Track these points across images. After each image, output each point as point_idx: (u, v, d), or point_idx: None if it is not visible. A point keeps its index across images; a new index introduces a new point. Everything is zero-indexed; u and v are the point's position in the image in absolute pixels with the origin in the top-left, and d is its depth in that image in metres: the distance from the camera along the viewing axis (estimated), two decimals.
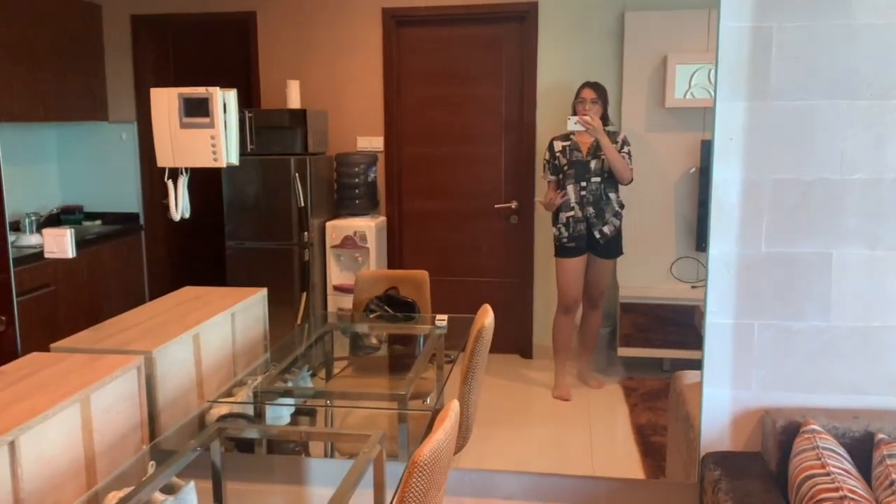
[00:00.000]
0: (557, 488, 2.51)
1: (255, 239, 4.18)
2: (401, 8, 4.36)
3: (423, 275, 3.24)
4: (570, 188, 3.80)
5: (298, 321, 4.11)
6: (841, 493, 1.62)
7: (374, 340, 3.13)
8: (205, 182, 3.49)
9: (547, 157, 3.89)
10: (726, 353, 2.17)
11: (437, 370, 2.64)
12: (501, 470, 2.60)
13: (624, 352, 4.18)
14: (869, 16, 1.98)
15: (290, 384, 2.41)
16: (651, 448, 3.31)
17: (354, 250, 4.23)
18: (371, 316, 3.10)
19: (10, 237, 2.71)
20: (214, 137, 2.39)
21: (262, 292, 2.96)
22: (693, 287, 4.21)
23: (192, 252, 4.82)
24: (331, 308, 4.27)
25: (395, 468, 1.74)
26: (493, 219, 4.52)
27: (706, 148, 4.07)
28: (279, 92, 4.35)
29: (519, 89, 4.38)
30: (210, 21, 4.55)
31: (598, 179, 3.77)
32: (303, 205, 4.10)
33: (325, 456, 2.36)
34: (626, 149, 3.76)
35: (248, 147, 4.09)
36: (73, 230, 2.47)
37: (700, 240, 4.18)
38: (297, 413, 2.33)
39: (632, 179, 3.77)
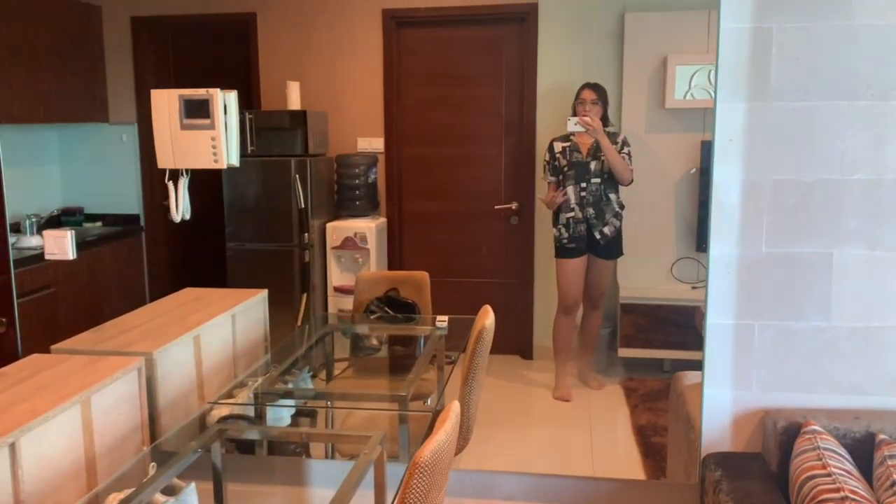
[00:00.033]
0: (558, 489, 2.51)
1: (255, 240, 4.18)
2: (401, 9, 4.37)
3: (424, 276, 3.24)
4: (571, 189, 3.80)
5: (299, 322, 4.11)
6: (842, 493, 1.62)
7: (374, 341, 3.13)
8: (205, 183, 3.49)
9: (547, 159, 3.89)
10: (727, 354, 2.17)
11: (438, 371, 2.64)
12: (502, 471, 2.60)
13: (624, 352, 4.18)
14: (869, 17, 1.98)
15: (290, 385, 2.41)
16: (652, 449, 3.31)
17: (355, 251, 4.23)
18: (371, 317, 3.10)
19: (11, 239, 2.72)
20: (215, 139, 2.40)
21: (263, 294, 2.96)
22: (693, 288, 4.21)
23: (192, 253, 4.83)
24: (331, 309, 4.27)
25: (395, 469, 1.74)
26: (494, 220, 4.52)
27: (706, 149, 4.07)
28: (279, 93, 4.35)
29: (519, 90, 4.38)
30: (210, 22, 4.55)
31: (598, 180, 3.77)
32: (303, 206, 4.11)
33: (326, 457, 2.36)
34: (626, 149, 3.76)
35: (249, 148, 4.09)
36: (73, 232, 2.47)
37: (700, 240, 4.18)
38: (298, 414, 2.33)
39: (632, 180, 3.77)
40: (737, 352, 2.16)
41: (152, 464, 1.79)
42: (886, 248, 2.06)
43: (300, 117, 4.13)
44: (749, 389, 2.17)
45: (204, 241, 4.53)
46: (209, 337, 2.53)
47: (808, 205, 2.07)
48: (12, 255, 2.71)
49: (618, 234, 3.87)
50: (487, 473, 2.55)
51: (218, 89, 2.42)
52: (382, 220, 4.45)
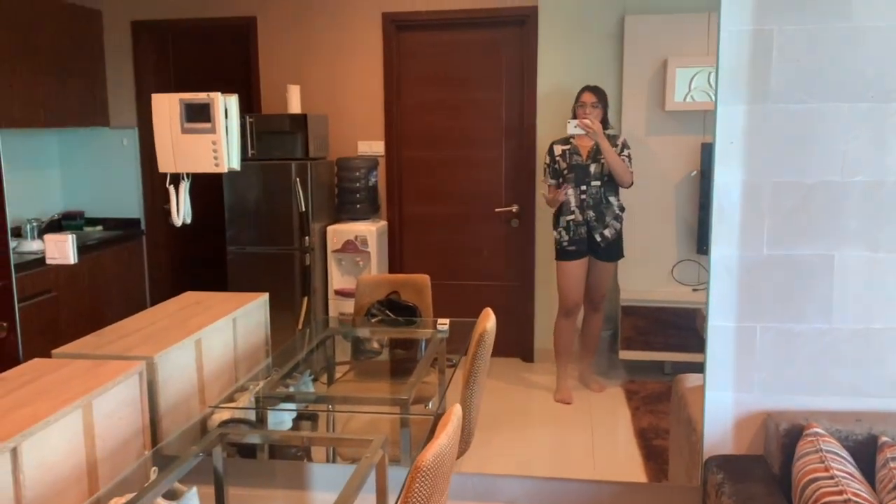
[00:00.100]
0: (559, 492, 2.50)
1: (256, 244, 4.18)
2: (401, 12, 4.37)
3: (425, 279, 3.24)
4: (571, 192, 3.80)
5: (300, 326, 4.10)
6: (845, 496, 1.62)
7: (375, 345, 3.13)
8: (206, 187, 3.48)
9: (547, 161, 3.89)
10: (728, 357, 2.17)
11: (439, 374, 2.64)
12: (503, 474, 2.59)
13: (625, 355, 4.17)
14: (869, 18, 1.98)
15: (291, 389, 2.41)
16: (653, 451, 3.31)
17: (355, 254, 4.23)
18: (372, 320, 3.10)
19: (12, 243, 2.72)
20: (216, 143, 2.40)
21: (264, 297, 2.96)
22: (694, 290, 4.21)
23: (193, 257, 4.82)
24: (332, 312, 4.27)
25: (397, 473, 1.74)
26: (494, 222, 4.52)
27: (706, 151, 4.07)
28: (280, 97, 4.36)
29: (519, 93, 4.38)
30: (210, 26, 4.55)
31: (599, 183, 3.77)
32: (304, 209, 4.11)
33: (328, 461, 2.36)
34: (626, 152, 3.76)
35: (249, 152, 4.09)
36: (74, 236, 2.47)
37: (701, 242, 4.18)
38: (299, 418, 2.33)
39: (632, 182, 3.77)
40: (738, 354, 2.16)
41: (154, 468, 1.78)
42: (887, 249, 2.06)
43: (300, 121, 4.13)
44: (751, 392, 2.16)
45: (205, 245, 4.52)
46: (210, 341, 2.53)
47: (809, 207, 2.07)
48: (13, 259, 2.71)
49: (618, 236, 3.87)
50: (489, 477, 2.54)
51: (219, 93, 2.42)
52: (383, 223, 4.45)
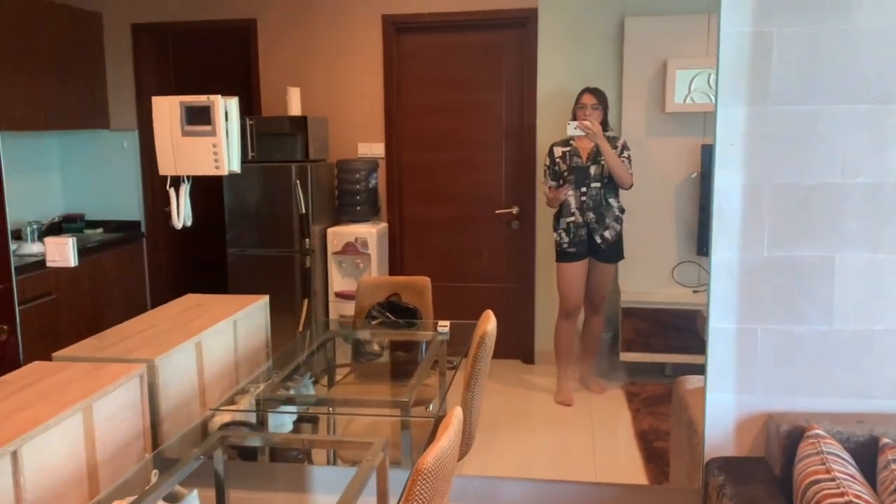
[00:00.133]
0: (560, 495, 2.50)
1: (256, 246, 4.18)
2: (401, 15, 4.37)
3: (425, 281, 3.24)
4: (571, 194, 3.80)
5: (300, 328, 4.10)
6: (846, 498, 1.62)
7: (376, 347, 3.13)
8: (206, 189, 3.49)
9: (547, 163, 3.89)
10: (729, 358, 2.16)
11: (440, 376, 2.64)
12: (504, 477, 2.59)
13: (626, 356, 4.17)
14: (869, 20, 1.99)
15: (292, 392, 2.41)
16: (654, 453, 3.30)
17: (356, 257, 4.23)
18: (373, 322, 3.10)
19: (12, 246, 2.72)
20: (216, 145, 2.40)
21: (264, 300, 2.96)
22: (695, 291, 4.21)
23: (193, 259, 4.82)
24: (332, 315, 4.27)
25: (398, 475, 1.74)
26: (494, 224, 4.52)
27: (706, 152, 4.07)
28: (280, 99, 4.36)
29: (519, 95, 4.38)
30: (210, 28, 4.56)
31: (599, 185, 3.77)
32: (304, 211, 4.11)
33: (328, 463, 2.36)
34: (625, 153, 3.76)
35: (250, 154, 4.09)
36: (74, 238, 2.47)
37: (701, 244, 4.18)
38: (300, 420, 2.33)
39: (632, 184, 3.78)
40: (739, 356, 2.16)
41: (154, 471, 1.78)
42: (888, 251, 2.05)
43: (301, 123, 4.13)
44: (752, 393, 2.16)
45: (205, 247, 4.52)
46: (211, 343, 2.53)
47: (809, 208, 2.07)
48: (13, 262, 2.71)
49: (618, 238, 3.87)
50: (490, 479, 2.54)
51: (219, 96, 2.42)
52: (383, 225, 4.45)
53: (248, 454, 2.16)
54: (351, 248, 4.20)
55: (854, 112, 2.02)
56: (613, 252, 3.87)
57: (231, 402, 2.26)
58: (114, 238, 4.52)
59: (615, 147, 3.74)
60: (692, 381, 2.63)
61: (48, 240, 2.45)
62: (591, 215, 3.79)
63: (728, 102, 2.07)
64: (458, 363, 2.62)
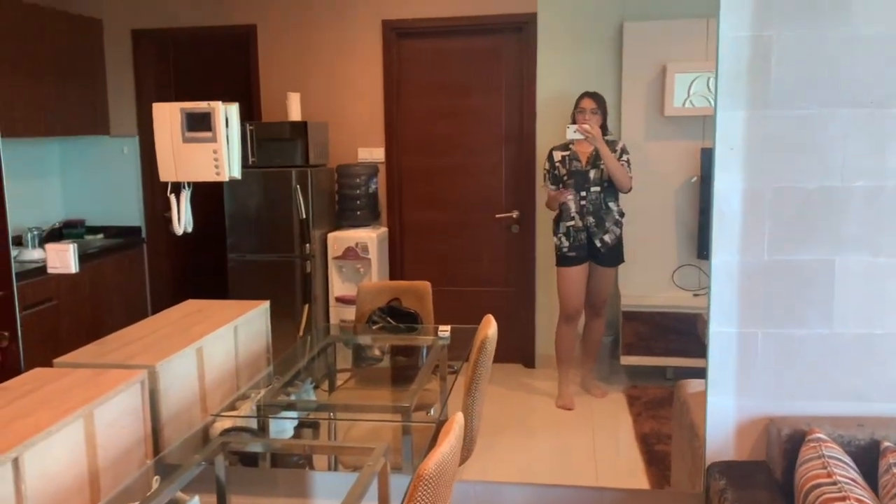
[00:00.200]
0: (561, 499, 2.50)
1: (256, 251, 4.18)
2: (401, 20, 4.38)
3: (426, 285, 3.24)
4: (571, 198, 3.80)
5: (301, 333, 4.10)
6: (848, 502, 1.61)
7: (376, 352, 3.13)
8: (207, 195, 3.49)
9: (547, 167, 3.90)
10: (730, 362, 2.16)
11: (441, 381, 2.64)
12: (505, 482, 2.59)
13: (627, 360, 4.17)
14: (868, 24, 1.99)
15: (293, 397, 2.41)
16: (655, 457, 3.30)
17: (356, 261, 4.23)
18: (373, 327, 3.10)
19: (13, 252, 2.72)
20: (217, 151, 2.40)
21: (265, 305, 2.96)
22: (695, 295, 4.21)
23: (194, 265, 4.83)
24: (333, 320, 4.27)
25: (399, 481, 1.74)
26: (494, 228, 4.53)
27: (706, 156, 4.08)
28: (280, 104, 4.37)
29: (518, 100, 4.39)
30: (210, 34, 4.57)
31: (598, 189, 3.78)
32: (304, 216, 4.11)
33: (329, 469, 2.36)
34: (625, 157, 3.76)
35: (250, 160, 4.10)
36: (75, 245, 2.47)
37: (701, 248, 4.18)
38: (301, 426, 2.33)
39: (631, 188, 3.78)
40: (740, 360, 2.16)
41: (156, 477, 1.78)
42: (888, 254, 2.06)
43: (301, 128, 4.14)
44: (753, 397, 2.16)
45: (205, 253, 4.53)
46: (212, 349, 2.53)
47: (809, 212, 2.07)
48: (14, 268, 2.71)
49: (618, 241, 3.87)
50: (491, 484, 2.54)
51: (220, 102, 2.42)
52: (383, 229, 4.46)
53: (250, 460, 2.16)
54: (351, 253, 4.21)
55: (853, 116, 2.02)
56: (613, 256, 3.88)
57: (232, 407, 2.26)
58: (114, 244, 4.53)
59: (614, 151, 3.74)
60: (693, 385, 2.63)
61: (49, 246, 2.46)
62: (590, 219, 3.80)
63: (727, 106, 2.07)
64: (459, 368, 2.62)
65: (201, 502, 1.66)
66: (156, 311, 3.20)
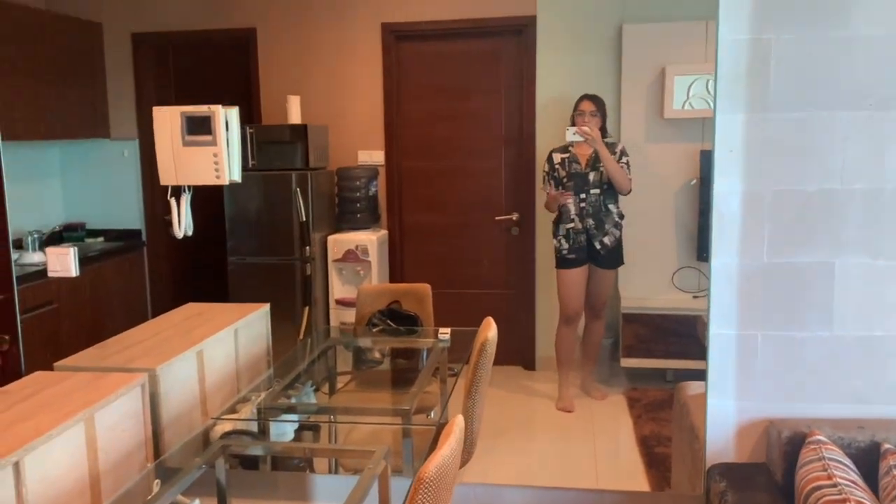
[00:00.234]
0: (562, 502, 2.50)
1: (257, 254, 4.19)
2: (400, 23, 4.39)
3: (426, 288, 3.25)
4: (570, 200, 3.81)
5: (301, 336, 4.10)
6: None
7: (377, 355, 3.13)
8: (207, 198, 3.50)
9: (546, 170, 3.90)
10: (730, 364, 2.17)
11: (441, 384, 2.64)
12: (506, 484, 2.59)
13: (627, 362, 4.17)
14: (867, 27, 1.99)
15: (293, 400, 2.41)
16: (655, 459, 3.30)
17: (356, 264, 4.23)
18: (374, 330, 3.11)
19: (13, 255, 2.72)
20: (217, 155, 2.41)
21: (265, 308, 2.97)
22: (695, 297, 4.22)
23: (194, 268, 4.83)
24: (333, 322, 4.27)
25: (400, 484, 1.74)
26: (494, 231, 4.53)
27: (705, 158, 4.08)
28: (280, 107, 4.37)
29: (518, 102, 4.40)
30: (210, 38, 4.57)
31: (598, 191, 3.78)
32: (304, 219, 4.11)
33: (330, 472, 2.36)
34: (624, 159, 3.77)
35: (250, 163, 4.10)
36: (76, 248, 2.48)
37: (701, 250, 4.18)
38: (301, 429, 2.33)
39: (631, 190, 3.78)
40: (740, 362, 2.16)
41: (156, 481, 1.78)
42: (888, 257, 2.06)
43: (301, 131, 4.15)
44: (753, 399, 2.16)
45: (206, 256, 4.53)
46: (212, 352, 2.53)
47: (808, 215, 2.07)
48: (15, 271, 2.71)
49: (618, 243, 3.87)
50: (491, 487, 2.54)
51: (220, 106, 2.43)
52: (383, 232, 4.46)
53: (250, 463, 2.16)
54: (351, 256, 4.21)
55: (852, 118, 2.03)
56: (613, 258, 3.88)
57: (232, 410, 2.26)
58: (115, 247, 4.53)
59: (614, 153, 3.75)
60: (693, 387, 2.63)
61: (49, 250, 2.46)
62: (590, 221, 3.80)
63: (726, 109, 2.08)
64: (459, 370, 2.62)
65: None
66: (156, 314, 3.20)
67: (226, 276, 4.21)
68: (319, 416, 2.52)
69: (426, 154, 4.53)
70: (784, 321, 2.12)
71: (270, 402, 2.31)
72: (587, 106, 3.76)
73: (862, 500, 1.64)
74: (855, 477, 1.77)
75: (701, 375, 2.29)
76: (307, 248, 4.14)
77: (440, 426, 1.97)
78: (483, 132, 4.47)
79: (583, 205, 3.79)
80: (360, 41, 4.44)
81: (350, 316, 3.88)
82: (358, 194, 4.32)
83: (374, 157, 4.51)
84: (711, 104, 2.12)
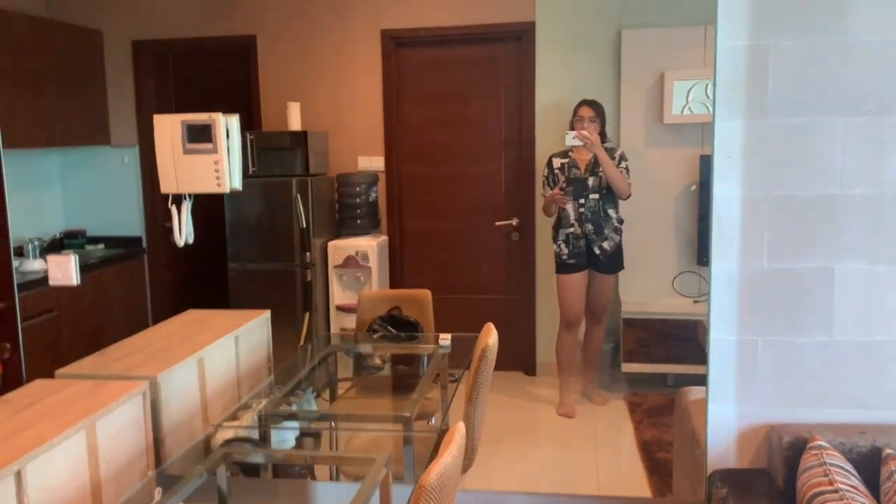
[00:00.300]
0: None
1: (257, 260, 4.19)
2: (399, 29, 4.40)
3: (426, 294, 3.25)
4: (570, 205, 3.81)
5: (301, 342, 4.10)
6: None
7: (377, 361, 3.13)
8: (207, 204, 3.51)
9: (546, 174, 3.90)
10: (731, 370, 2.17)
11: (442, 390, 2.64)
12: (507, 491, 2.59)
13: (627, 367, 4.17)
14: (866, 32, 2.00)
15: (294, 407, 2.41)
16: (657, 465, 3.30)
17: (356, 270, 4.24)
18: (374, 336, 3.11)
19: (14, 263, 2.72)
20: (218, 163, 2.41)
21: (266, 315, 2.97)
22: (695, 301, 4.22)
23: (194, 275, 4.83)
24: (334, 328, 4.27)
25: (401, 491, 1.74)
26: (494, 236, 4.53)
27: (705, 163, 4.09)
28: (280, 114, 4.38)
29: (517, 108, 4.41)
30: (210, 45, 4.59)
31: (597, 196, 3.79)
32: (304, 225, 4.12)
33: (331, 479, 2.36)
34: (623, 164, 3.77)
35: (250, 169, 4.11)
36: (76, 256, 2.48)
37: (701, 254, 4.19)
38: (302, 436, 2.33)
39: (630, 194, 3.79)
40: (740, 367, 2.16)
41: (158, 488, 1.78)
42: (888, 262, 2.06)
43: (301, 137, 4.15)
44: (753, 405, 2.16)
45: (206, 262, 4.53)
46: (213, 359, 2.53)
47: (808, 220, 2.08)
48: (15, 279, 2.71)
49: (618, 248, 3.87)
50: (493, 493, 2.54)
51: (220, 114, 2.44)
52: (384, 238, 4.46)
53: (251, 470, 2.16)
54: (352, 262, 4.21)
55: (851, 124, 2.03)
56: (613, 263, 3.88)
57: (233, 417, 2.26)
58: (115, 254, 4.53)
59: (613, 158, 3.75)
60: (694, 392, 2.63)
61: (50, 258, 2.46)
62: (589, 226, 3.80)
63: (725, 115, 2.08)
64: (460, 376, 2.62)
65: None
66: (157, 321, 3.20)
67: (226, 282, 4.21)
68: (320, 423, 2.52)
69: (426, 160, 4.54)
70: (784, 326, 2.12)
71: (271, 410, 2.31)
72: (586, 111, 3.77)
73: None
74: (856, 482, 1.77)
75: (702, 380, 2.29)
76: (307, 254, 4.14)
77: (441, 432, 1.97)
78: (483, 138, 4.48)
79: (582, 210, 3.80)
80: (360, 48, 4.45)
81: (350, 322, 3.88)
82: (358, 200, 4.32)
83: (374, 162, 4.52)
84: (710, 109, 2.12)
